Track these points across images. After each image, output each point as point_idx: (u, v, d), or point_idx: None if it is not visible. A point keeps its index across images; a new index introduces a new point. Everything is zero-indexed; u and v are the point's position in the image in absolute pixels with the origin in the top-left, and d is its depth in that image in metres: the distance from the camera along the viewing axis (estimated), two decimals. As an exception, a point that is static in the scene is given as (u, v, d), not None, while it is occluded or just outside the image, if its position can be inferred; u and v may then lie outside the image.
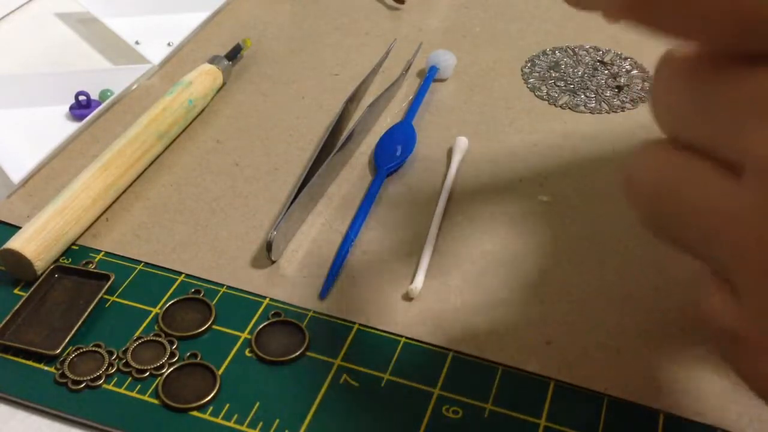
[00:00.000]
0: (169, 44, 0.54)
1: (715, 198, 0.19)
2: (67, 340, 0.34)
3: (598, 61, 0.53)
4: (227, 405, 0.31)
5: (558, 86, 0.50)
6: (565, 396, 0.32)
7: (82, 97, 0.48)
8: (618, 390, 0.32)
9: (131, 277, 0.37)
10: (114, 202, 0.41)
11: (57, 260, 0.38)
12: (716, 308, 0.20)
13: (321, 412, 0.31)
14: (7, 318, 0.34)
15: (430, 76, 0.50)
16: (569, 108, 0.48)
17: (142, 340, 0.34)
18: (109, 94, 0.49)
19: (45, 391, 0.32)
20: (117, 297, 0.36)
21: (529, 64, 0.52)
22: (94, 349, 0.34)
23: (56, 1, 0.61)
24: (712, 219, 0.19)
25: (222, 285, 0.37)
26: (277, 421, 0.31)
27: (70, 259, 0.38)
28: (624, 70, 0.52)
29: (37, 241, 0.36)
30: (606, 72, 0.51)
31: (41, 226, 0.37)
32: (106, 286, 0.36)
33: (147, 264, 0.38)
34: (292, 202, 0.38)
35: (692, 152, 0.20)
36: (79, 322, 0.34)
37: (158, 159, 0.44)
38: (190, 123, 0.47)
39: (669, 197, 0.20)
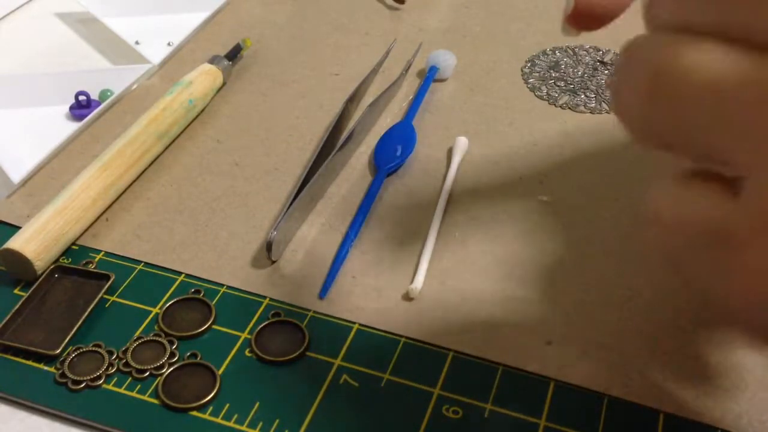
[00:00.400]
0: (169, 44, 0.54)
1: (734, 76, 0.17)
2: (67, 340, 0.34)
3: (598, 61, 0.53)
4: (227, 405, 0.31)
5: (558, 86, 0.50)
6: (565, 396, 0.32)
7: (82, 97, 0.48)
8: (618, 390, 0.32)
9: (131, 277, 0.37)
10: (114, 202, 0.41)
11: (57, 260, 0.38)
12: (693, 209, 0.18)
13: (321, 412, 0.31)
14: (7, 318, 0.34)
15: (430, 76, 0.50)
16: (569, 108, 0.48)
17: (142, 340, 0.34)
18: (109, 94, 0.49)
19: (45, 391, 0.32)
20: (117, 297, 0.36)
21: (529, 64, 0.52)
22: (94, 349, 0.34)
23: (56, 1, 0.61)
24: (728, 100, 0.17)
25: (222, 285, 0.37)
26: (277, 421, 0.31)
27: (70, 259, 0.38)
28: (624, 70, 0.52)
29: (37, 241, 0.36)
30: (606, 72, 0.52)
31: (41, 226, 0.37)
32: (106, 286, 0.36)
33: (147, 264, 0.38)
34: (292, 202, 0.38)
35: (699, 35, 0.18)
36: (79, 322, 0.34)
37: (158, 159, 0.44)
38: (190, 123, 0.47)
39: (673, 82, 0.18)
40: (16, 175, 0.42)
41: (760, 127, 0.17)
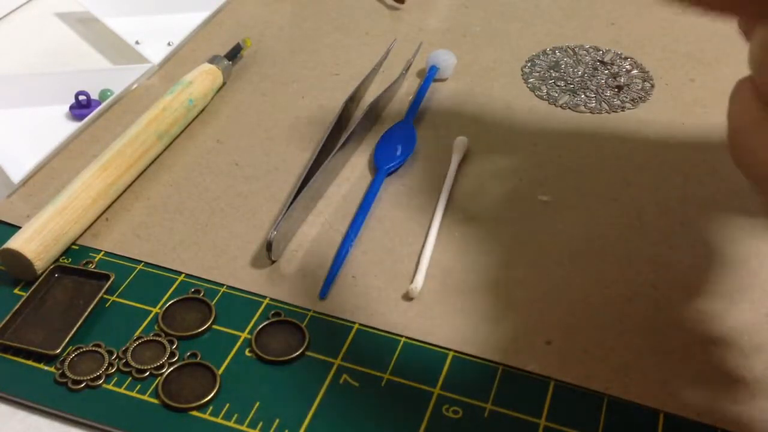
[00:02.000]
0: (169, 44, 0.54)
1: None
2: (67, 340, 0.34)
3: (598, 61, 0.53)
4: (227, 405, 0.31)
5: (558, 86, 0.50)
6: (565, 396, 0.32)
7: (82, 97, 0.48)
8: (618, 390, 0.32)
9: (131, 276, 0.37)
10: (114, 201, 0.41)
11: (57, 260, 0.38)
12: None
13: (321, 412, 0.31)
14: (7, 318, 0.34)
15: (430, 76, 0.50)
16: (569, 108, 0.48)
17: (142, 339, 0.34)
18: (109, 94, 0.49)
19: (45, 391, 0.32)
20: (117, 297, 0.36)
21: (529, 64, 0.52)
22: (94, 348, 0.34)
23: (56, 1, 0.61)
24: None
25: (222, 285, 0.37)
26: (277, 421, 0.31)
27: (70, 259, 0.38)
28: (624, 70, 0.52)
29: (37, 241, 0.36)
30: (606, 72, 0.51)
31: (41, 226, 0.37)
32: (106, 286, 0.36)
33: (147, 264, 0.38)
34: (292, 202, 0.38)
35: None
36: (79, 322, 0.34)
37: (158, 159, 0.44)
38: (190, 123, 0.47)
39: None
40: (16, 175, 0.42)
41: None
